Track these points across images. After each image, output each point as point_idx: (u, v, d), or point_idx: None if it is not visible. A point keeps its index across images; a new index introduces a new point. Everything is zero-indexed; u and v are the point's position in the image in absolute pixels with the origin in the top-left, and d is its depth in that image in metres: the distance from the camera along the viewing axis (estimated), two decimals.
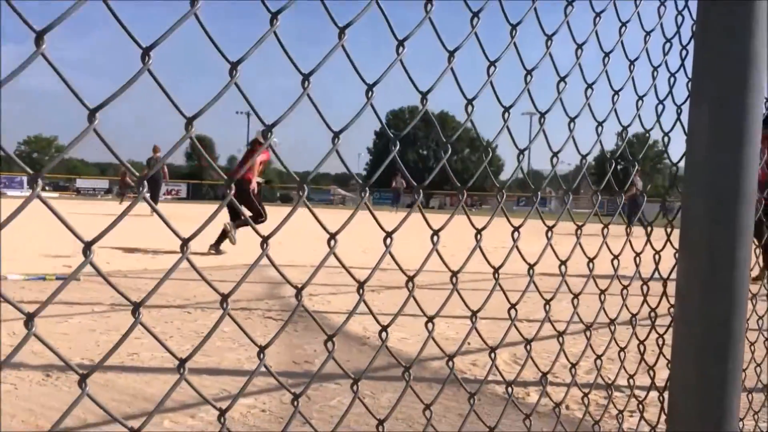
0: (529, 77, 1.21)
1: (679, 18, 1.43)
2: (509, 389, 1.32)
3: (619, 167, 1.49)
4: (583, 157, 1.35)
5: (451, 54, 1.07)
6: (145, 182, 0.74)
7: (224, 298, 0.87)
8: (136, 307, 0.75)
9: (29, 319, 0.63)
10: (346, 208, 44.70)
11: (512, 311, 1.28)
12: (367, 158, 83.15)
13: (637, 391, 1.54)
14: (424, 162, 76.24)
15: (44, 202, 0.60)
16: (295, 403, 1.02)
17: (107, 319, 4.33)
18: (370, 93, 0.98)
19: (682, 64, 1.45)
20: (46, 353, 3.36)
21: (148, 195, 0.76)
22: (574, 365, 1.36)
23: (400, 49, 1.00)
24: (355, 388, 1.02)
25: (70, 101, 0.70)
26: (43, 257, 7.69)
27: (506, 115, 1.18)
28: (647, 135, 1.42)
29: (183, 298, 5.20)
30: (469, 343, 4.29)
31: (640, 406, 1.47)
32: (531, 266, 1.23)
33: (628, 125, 1.39)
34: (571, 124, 1.27)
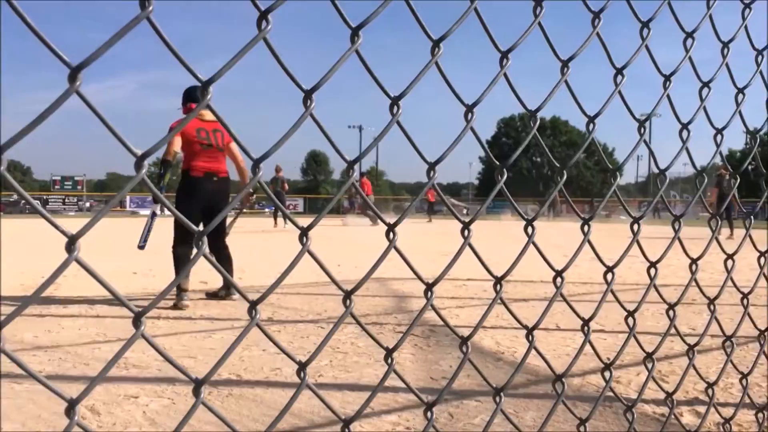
0: (668, 83, 1.16)
1: None
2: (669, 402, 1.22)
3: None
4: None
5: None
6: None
7: (348, 293, 0.86)
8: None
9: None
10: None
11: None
12: (479, 167, 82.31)
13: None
14: (539, 169, 74.26)
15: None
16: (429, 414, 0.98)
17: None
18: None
19: None
20: (198, 369, 3.53)
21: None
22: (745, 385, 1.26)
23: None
24: (497, 399, 0.96)
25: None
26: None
27: (641, 129, 1.12)
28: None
29: (315, 313, 5.33)
30: (608, 359, 4.04)
31: None
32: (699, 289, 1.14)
33: None
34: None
